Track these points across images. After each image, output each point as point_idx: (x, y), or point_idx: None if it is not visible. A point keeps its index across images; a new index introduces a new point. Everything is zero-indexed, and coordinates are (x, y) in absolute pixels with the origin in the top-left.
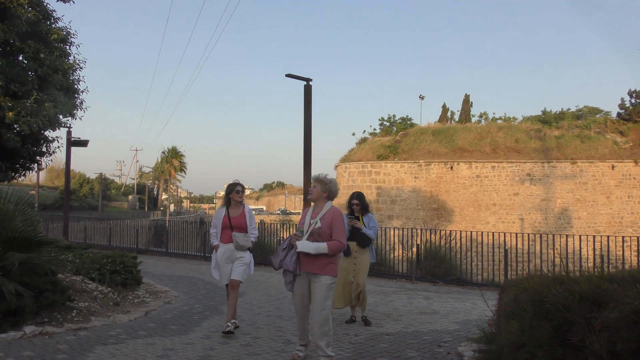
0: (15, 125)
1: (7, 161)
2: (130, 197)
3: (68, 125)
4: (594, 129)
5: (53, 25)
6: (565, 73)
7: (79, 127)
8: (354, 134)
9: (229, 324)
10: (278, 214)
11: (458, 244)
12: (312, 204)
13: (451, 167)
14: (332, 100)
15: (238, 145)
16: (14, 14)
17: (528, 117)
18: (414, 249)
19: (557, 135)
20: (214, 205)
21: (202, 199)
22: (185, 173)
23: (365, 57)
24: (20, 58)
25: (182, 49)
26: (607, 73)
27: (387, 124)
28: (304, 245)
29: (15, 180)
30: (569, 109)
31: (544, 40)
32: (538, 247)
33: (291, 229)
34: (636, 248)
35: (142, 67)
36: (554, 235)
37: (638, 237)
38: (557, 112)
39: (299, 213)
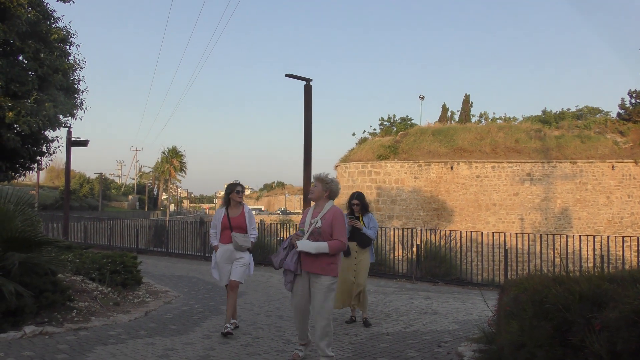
0: (15, 125)
1: (7, 161)
2: (130, 197)
3: (68, 125)
4: (594, 129)
5: (53, 25)
6: (565, 73)
7: (79, 127)
8: (354, 134)
9: (228, 325)
10: (278, 214)
11: (458, 244)
12: (313, 203)
13: (451, 167)
14: (332, 100)
15: (238, 145)
16: (14, 13)
17: (528, 117)
18: (414, 249)
19: (557, 135)
20: (214, 205)
21: (202, 199)
22: (185, 173)
23: (365, 57)
24: (20, 58)
25: (182, 49)
26: (607, 73)
27: (387, 124)
28: (305, 245)
29: (15, 180)
30: (569, 109)
31: (544, 40)
32: (538, 247)
33: (291, 229)
34: (636, 248)
35: (142, 67)
36: (554, 235)
37: (638, 237)
38: (557, 112)
39: (299, 213)
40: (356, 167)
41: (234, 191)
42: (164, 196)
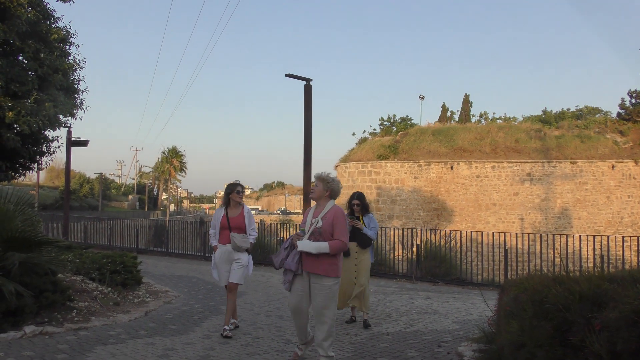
0: (15, 125)
1: (7, 161)
2: (130, 197)
3: (68, 125)
4: (594, 129)
5: (53, 25)
6: (565, 73)
7: (79, 127)
8: (354, 134)
9: (226, 327)
10: (278, 214)
11: (458, 244)
12: (314, 203)
13: (451, 167)
14: (332, 100)
15: (238, 145)
16: (14, 13)
17: (528, 117)
18: (414, 249)
19: (557, 135)
20: (214, 205)
21: (202, 199)
22: (185, 173)
23: (365, 57)
24: (20, 58)
25: (182, 49)
26: (607, 73)
27: (387, 124)
28: (305, 245)
29: (15, 180)
30: (569, 109)
31: (544, 40)
32: (538, 247)
33: (291, 229)
34: (636, 248)
35: (142, 67)
36: (554, 235)
37: (638, 237)
38: (557, 112)
39: (299, 213)
40: (356, 167)
41: (234, 191)
42: (164, 196)
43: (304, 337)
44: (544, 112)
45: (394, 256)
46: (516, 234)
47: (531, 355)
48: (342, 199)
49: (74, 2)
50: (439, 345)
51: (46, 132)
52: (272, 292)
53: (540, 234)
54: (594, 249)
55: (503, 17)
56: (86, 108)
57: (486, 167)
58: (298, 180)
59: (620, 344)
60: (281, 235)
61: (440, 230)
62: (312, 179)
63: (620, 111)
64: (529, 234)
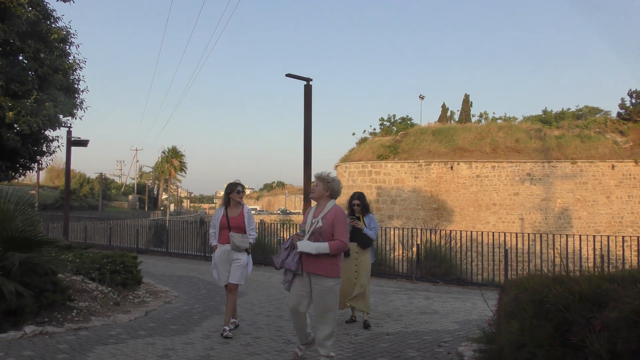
0: (16, 125)
1: (7, 161)
2: (130, 197)
3: (68, 125)
4: (594, 128)
5: (53, 25)
6: (565, 73)
7: (79, 127)
8: (354, 134)
9: (226, 328)
10: (278, 213)
11: (458, 244)
12: (315, 203)
13: (451, 167)
14: (332, 100)
15: (238, 145)
16: (14, 13)
17: (528, 117)
18: (414, 249)
19: (557, 135)
20: (214, 205)
21: (202, 199)
22: (185, 173)
23: (365, 57)
24: (20, 58)
25: (182, 49)
26: (607, 73)
27: (387, 124)
28: (305, 245)
29: (16, 180)
30: (569, 108)
31: (544, 40)
32: (538, 247)
33: (291, 229)
34: (636, 248)
35: (142, 67)
36: (554, 235)
37: (638, 237)
38: (557, 112)
39: (299, 213)
40: (356, 167)
41: (234, 191)
42: (164, 196)
43: (304, 338)
44: (544, 112)
45: (394, 256)
46: (516, 234)
47: (531, 355)
48: (343, 199)
49: (74, 2)
50: (439, 345)
51: (46, 132)
52: (272, 292)
53: (541, 234)
54: (594, 249)
55: (503, 17)
56: (86, 108)
57: (486, 167)
58: (298, 180)
59: (621, 344)
60: (281, 235)
61: (441, 230)
62: (313, 179)
63: (620, 111)
64: (529, 234)
